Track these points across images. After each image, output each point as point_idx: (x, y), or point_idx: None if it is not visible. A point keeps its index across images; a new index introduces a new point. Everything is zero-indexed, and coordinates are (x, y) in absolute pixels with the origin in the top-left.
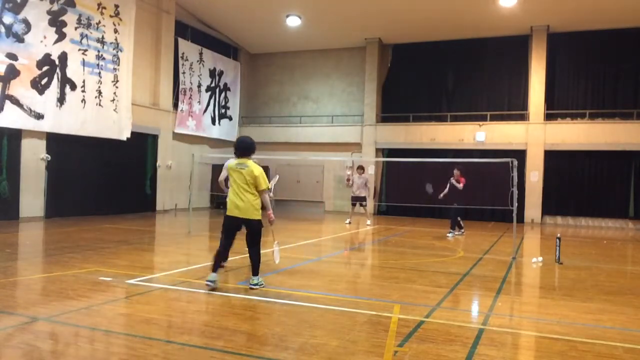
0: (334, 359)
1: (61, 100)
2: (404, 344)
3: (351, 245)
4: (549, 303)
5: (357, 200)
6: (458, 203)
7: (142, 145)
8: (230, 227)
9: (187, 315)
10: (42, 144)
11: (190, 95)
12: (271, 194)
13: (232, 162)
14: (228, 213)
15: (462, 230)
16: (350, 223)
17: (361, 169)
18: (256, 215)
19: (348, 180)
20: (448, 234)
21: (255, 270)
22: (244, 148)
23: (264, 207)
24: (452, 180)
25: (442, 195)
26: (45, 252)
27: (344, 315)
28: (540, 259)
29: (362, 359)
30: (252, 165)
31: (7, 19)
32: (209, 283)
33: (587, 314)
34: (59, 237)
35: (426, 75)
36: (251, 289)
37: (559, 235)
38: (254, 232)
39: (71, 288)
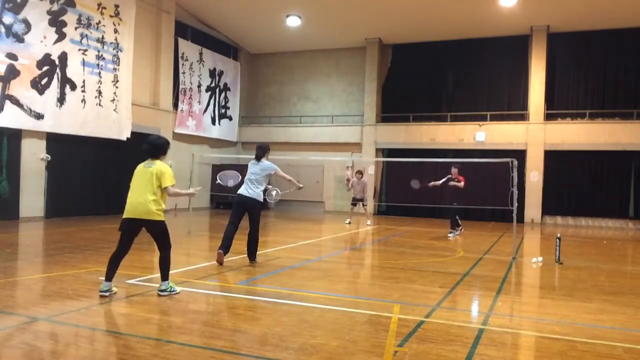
0: (334, 359)
1: (61, 100)
2: (404, 344)
3: (351, 245)
4: (549, 303)
5: (358, 200)
6: (458, 203)
7: (142, 145)
8: (129, 230)
9: (187, 315)
10: (42, 144)
11: (190, 95)
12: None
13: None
14: (126, 215)
15: (460, 229)
16: (350, 223)
17: (360, 173)
18: (159, 216)
19: (348, 180)
20: (449, 234)
21: (164, 275)
22: (153, 148)
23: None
24: (452, 182)
25: (431, 184)
26: (45, 252)
27: (344, 315)
28: (540, 259)
29: (362, 359)
30: (159, 164)
31: (7, 19)
32: (102, 293)
33: (587, 314)
34: (59, 237)
35: (426, 75)
36: (159, 295)
37: (559, 235)
38: (159, 232)
39: (71, 288)
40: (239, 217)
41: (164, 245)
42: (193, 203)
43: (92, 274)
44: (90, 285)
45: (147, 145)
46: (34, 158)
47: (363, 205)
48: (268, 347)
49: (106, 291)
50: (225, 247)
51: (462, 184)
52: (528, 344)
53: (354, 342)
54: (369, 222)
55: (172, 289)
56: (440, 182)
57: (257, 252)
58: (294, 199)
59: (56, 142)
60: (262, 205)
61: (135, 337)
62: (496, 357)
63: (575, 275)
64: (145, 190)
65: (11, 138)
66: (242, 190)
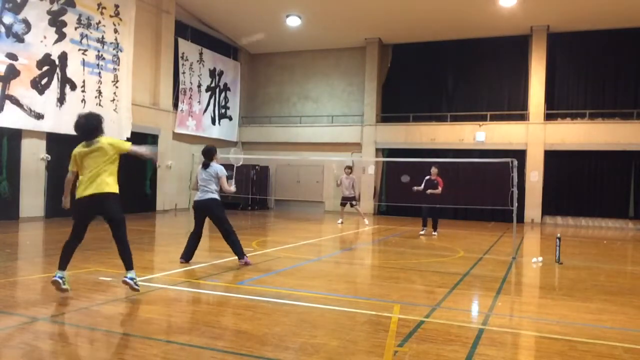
0: (334, 359)
1: (61, 100)
2: (404, 344)
3: (351, 246)
4: (549, 303)
5: (347, 200)
6: (437, 203)
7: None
8: (85, 214)
9: (187, 315)
10: (42, 144)
11: (190, 95)
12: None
13: (79, 149)
14: (79, 196)
15: (425, 229)
16: (342, 223)
17: (349, 168)
18: (115, 188)
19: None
20: (433, 233)
21: (129, 264)
22: (87, 130)
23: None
24: (430, 191)
25: (415, 189)
26: (45, 252)
27: (344, 315)
28: (540, 259)
29: (362, 359)
30: (105, 138)
31: (7, 19)
32: (56, 279)
33: (587, 314)
34: (59, 237)
35: (426, 75)
36: (126, 283)
37: (559, 235)
38: (114, 211)
39: (71, 288)
40: (199, 224)
41: (122, 225)
42: (193, 203)
43: (92, 274)
44: (90, 285)
45: (79, 127)
46: (34, 158)
47: (352, 205)
48: (268, 347)
49: (61, 278)
50: (186, 255)
51: (439, 190)
52: (528, 344)
53: (354, 342)
54: (366, 221)
55: (137, 285)
56: (422, 186)
57: (257, 252)
58: (294, 199)
59: (56, 142)
60: (221, 204)
61: (135, 337)
62: (496, 357)
63: (575, 275)
64: (101, 173)
65: (11, 138)
66: (197, 197)
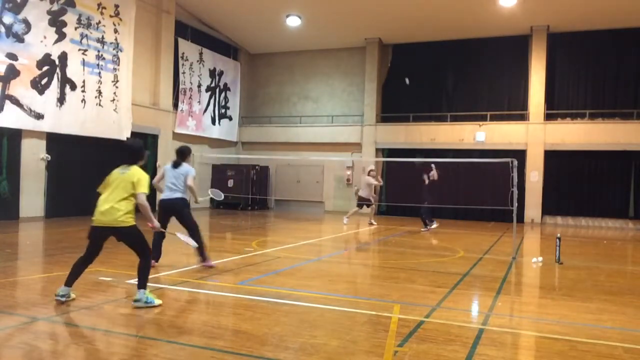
0: (334, 359)
1: (61, 100)
2: (404, 344)
3: (351, 245)
4: (549, 303)
5: (362, 201)
6: (428, 202)
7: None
8: (98, 239)
9: (187, 315)
10: (42, 144)
11: (190, 95)
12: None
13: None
14: (95, 224)
15: (433, 226)
16: (348, 221)
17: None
18: (131, 221)
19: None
20: (422, 229)
21: (142, 283)
22: (130, 153)
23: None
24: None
25: (431, 175)
26: (45, 252)
27: (344, 315)
28: (540, 259)
29: (362, 359)
30: (135, 169)
31: (7, 19)
32: (59, 299)
33: (587, 314)
34: (59, 237)
35: (426, 75)
36: (133, 305)
37: (559, 235)
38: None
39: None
40: (165, 224)
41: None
42: (192, 203)
43: (92, 274)
44: (91, 286)
45: (125, 150)
46: (34, 158)
47: (367, 206)
48: (268, 347)
49: (62, 296)
50: (155, 256)
51: (433, 172)
52: (528, 344)
53: (354, 342)
54: (372, 221)
55: (148, 300)
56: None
57: (257, 252)
58: (294, 199)
59: (56, 142)
60: (188, 205)
61: (135, 337)
62: (496, 357)
63: (575, 275)
64: (117, 198)
65: (11, 138)
66: (164, 196)
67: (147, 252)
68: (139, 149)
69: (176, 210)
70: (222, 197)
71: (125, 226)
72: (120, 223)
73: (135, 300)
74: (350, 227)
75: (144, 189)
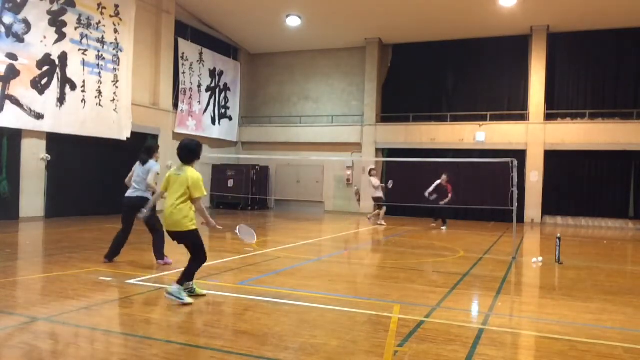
0: (334, 359)
1: (61, 100)
2: (404, 344)
3: (351, 245)
4: (549, 303)
5: (378, 202)
6: (444, 202)
7: (142, 145)
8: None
9: (187, 315)
10: (42, 144)
11: (190, 95)
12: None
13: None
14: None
15: (444, 225)
16: (380, 224)
17: (374, 170)
18: (189, 225)
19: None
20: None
21: (181, 279)
22: (187, 153)
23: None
24: (443, 202)
25: (428, 194)
26: (45, 252)
27: (344, 315)
28: (540, 259)
29: (362, 359)
30: (190, 172)
31: (7, 19)
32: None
33: (587, 314)
34: (59, 237)
35: (426, 75)
36: (166, 296)
37: (559, 235)
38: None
39: (71, 288)
40: (128, 222)
41: (195, 257)
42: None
43: (92, 274)
44: (91, 286)
45: (181, 150)
46: (34, 158)
47: (379, 206)
48: (268, 347)
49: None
50: (111, 254)
51: (448, 197)
52: (528, 344)
53: (354, 342)
54: (380, 222)
55: (181, 297)
56: (432, 189)
57: (257, 252)
58: (294, 199)
59: (56, 142)
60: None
61: (135, 337)
62: (496, 357)
63: (575, 275)
64: (176, 201)
65: (11, 138)
66: (128, 193)
67: (200, 256)
68: (195, 149)
69: (135, 208)
70: (254, 239)
71: (183, 230)
72: (178, 227)
73: (168, 293)
74: (350, 227)
75: (199, 194)
